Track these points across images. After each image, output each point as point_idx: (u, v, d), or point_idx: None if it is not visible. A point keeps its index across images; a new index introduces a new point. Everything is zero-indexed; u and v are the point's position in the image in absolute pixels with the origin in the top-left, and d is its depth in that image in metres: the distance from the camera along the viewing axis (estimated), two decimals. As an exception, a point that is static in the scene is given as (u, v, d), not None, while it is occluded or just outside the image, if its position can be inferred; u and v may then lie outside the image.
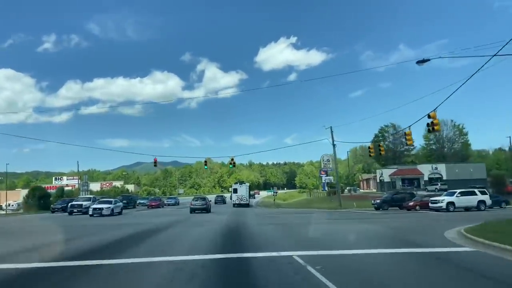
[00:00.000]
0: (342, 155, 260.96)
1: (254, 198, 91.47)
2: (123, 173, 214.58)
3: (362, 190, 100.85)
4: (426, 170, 77.03)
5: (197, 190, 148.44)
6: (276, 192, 50.46)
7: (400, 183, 75.89)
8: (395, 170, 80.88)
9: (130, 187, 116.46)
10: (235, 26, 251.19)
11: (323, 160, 70.11)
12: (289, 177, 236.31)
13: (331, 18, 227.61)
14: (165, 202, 61.56)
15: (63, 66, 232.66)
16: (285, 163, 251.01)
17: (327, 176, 71.12)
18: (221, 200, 68.06)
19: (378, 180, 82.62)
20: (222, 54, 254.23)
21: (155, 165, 42.13)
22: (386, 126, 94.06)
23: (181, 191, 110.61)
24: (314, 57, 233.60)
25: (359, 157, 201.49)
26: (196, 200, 39.04)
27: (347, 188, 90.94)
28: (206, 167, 23.18)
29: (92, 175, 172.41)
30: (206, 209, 38.15)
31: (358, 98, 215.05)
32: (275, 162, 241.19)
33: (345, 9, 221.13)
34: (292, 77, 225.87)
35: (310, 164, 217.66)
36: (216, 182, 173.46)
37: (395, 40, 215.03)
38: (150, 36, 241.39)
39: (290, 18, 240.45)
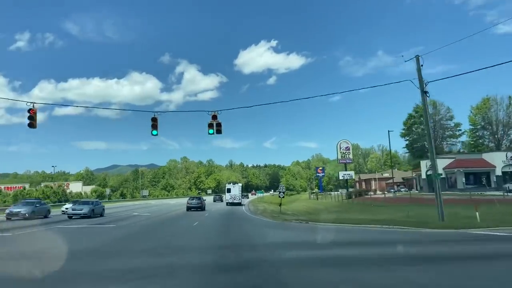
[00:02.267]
0: (330, 154, 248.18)
1: (248, 198, 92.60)
2: (88, 173, 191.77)
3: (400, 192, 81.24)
4: (498, 160, 53.65)
5: (169, 192, 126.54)
6: (283, 193, 30.09)
7: (463, 179, 52.28)
8: (451, 161, 56.01)
9: (87, 189, 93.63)
10: (216, 28, 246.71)
11: (340, 148, 51.28)
12: (271, 179, 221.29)
13: (312, 23, 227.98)
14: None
15: (36, 66, 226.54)
16: (265, 166, 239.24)
17: (345, 171, 52.25)
18: (219, 199, 73.91)
19: (424, 175, 57.88)
20: (202, 56, 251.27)
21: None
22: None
23: (145, 192, 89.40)
24: (293, 61, 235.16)
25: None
26: (192, 199, 42.65)
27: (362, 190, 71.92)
28: (211, 131, 11.84)
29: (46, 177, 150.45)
30: (201, 207, 40.94)
31: (337, 102, 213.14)
32: (255, 165, 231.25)
33: (326, 15, 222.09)
34: (272, 80, 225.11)
35: (297, 164, 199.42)
36: (192, 183, 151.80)
37: (374, 47, 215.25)
38: (130, 37, 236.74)
39: (271, 22, 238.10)
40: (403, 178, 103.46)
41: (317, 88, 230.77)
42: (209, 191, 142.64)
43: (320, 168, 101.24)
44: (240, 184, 60.27)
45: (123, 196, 76.14)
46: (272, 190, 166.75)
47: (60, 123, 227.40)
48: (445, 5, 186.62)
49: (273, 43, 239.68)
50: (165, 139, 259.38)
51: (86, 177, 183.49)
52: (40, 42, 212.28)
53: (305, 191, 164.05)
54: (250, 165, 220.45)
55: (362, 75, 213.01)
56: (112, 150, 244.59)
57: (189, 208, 39.65)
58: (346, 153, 49.11)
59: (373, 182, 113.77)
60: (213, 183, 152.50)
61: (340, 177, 48.85)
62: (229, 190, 54.14)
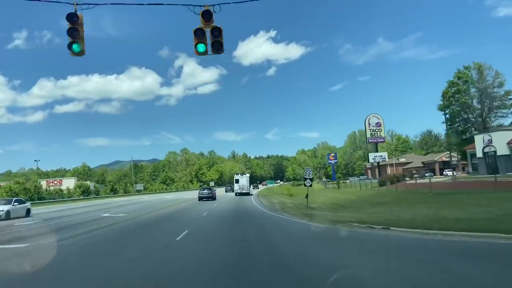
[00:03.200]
0: (337, 142, 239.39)
1: (258, 188, 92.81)
2: (85, 169, 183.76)
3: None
4: None
5: (168, 186, 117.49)
6: (310, 181, 20.00)
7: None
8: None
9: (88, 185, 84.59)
10: (214, 20, 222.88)
11: (368, 125, 41.72)
12: (276, 170, 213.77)
13: (311, 11, 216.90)
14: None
15: (35, 64, 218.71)
16: (268, 157, 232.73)
17: (377, 153, 42.35)
18: (230, 189, 73.33)
19: (480, 153, 44.32)
20: None
21: None
22: (467, 68, 56.30)
23: (139, 187, 79.76)
24: (293, 51, 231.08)
25: (358, 143, 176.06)
26: (203, 190, 45.09)
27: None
28: (201, 47, 6.78)
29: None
30: (212, 197, 42.81)
31: (338, 91, 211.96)
32: (257, 156, 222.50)
33: (324, 2, 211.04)
34: (272, 71, 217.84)
35: (302, 153, 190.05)
36: (193, 176, 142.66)
37: (374, 34, 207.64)
38: (128, 32, 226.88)
39: (270, 11, 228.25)
40: (423, 163, 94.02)
41: (318, 77, 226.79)
42: (212, 183, 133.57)
43: (332, 154, 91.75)
44: (248, 175, 60.48)
45: (114, 191, 67.10)
46: (279, 181, 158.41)
47: (61, 121, 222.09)
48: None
49: (272, 33, 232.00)
50: (167, 133, 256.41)
51: (84, 173, 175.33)
52: (38, 40, 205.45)
53: (312, 180, 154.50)
54: (252, 157, 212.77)
55: (363, 63, 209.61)
56: (114, 146, 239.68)
57: (200, 198, 41.78)
58: (376, 130, 39.70)
59: (388, 168, 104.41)
60: (215, 175, 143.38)
61: (371, 160, 39.55)
62: (237, 181, 55.29)
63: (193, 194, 66.83)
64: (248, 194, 53.04)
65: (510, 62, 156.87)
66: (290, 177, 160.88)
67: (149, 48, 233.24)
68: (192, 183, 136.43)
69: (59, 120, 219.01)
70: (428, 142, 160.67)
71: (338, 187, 51.27)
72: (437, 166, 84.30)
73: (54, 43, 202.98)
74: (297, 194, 63.49)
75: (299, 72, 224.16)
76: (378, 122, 39.78)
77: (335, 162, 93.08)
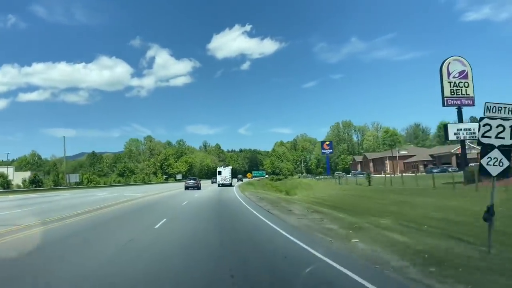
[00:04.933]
0: (318, 135, 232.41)
1: (242, 180, 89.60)
2: (33, 159, 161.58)
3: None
4: None
5: (126, 178, 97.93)
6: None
7: None
8: None
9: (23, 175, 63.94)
10: (189, 11, 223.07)
11: (447, 74, 24.22)
12: (250, 163, 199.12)
13: (287, 7, 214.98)
14: None
15: None
16: (240, 150, 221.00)
17: (461, 125, 24.39)
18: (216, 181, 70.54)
19: None
20: (174, 41, 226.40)
21: None
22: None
23: (73, 178, 59.45)
24: (268, 46, 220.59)
25: (342, 135, 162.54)
26: (189, 180, 47.54)
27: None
28: None
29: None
30: (197, 187, 44.79)
31: (311, 88, 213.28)
32: (230, 149, 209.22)
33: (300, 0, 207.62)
34: (246, 66, 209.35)
35: (281, 145, 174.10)
36: (158, 167, 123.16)
37: (348, 33, 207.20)
38: (99, 20, 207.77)
39: (246, 5, 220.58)
40: (431, 155, 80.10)
41: (292, 74, 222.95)
42: (179, 177, 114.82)
43: (327, 142, 75.96)
44: (231, 167, 61.06)
45: (36, 183, 47.73)
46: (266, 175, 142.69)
47: (25, 110, 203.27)
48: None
49: (248, 27, 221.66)
50: (137, 125, 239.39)
51: (33, 163, 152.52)
52: (1, 23, 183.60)
53: (292, 175, 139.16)
54: (225, 150, 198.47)
55: (336, 62, 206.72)
56: (81, 137, 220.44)
57: (186, 188, 43.50)
58: (460, 83, 23.13)
59: (387, 161, 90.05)
60: (183, 167, 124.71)
61: (451, 136, 22.59)
62: (220, 173, 55.99)
63: (149, 190, 48.63)
64: (230, 185, 54.32)
65: (477, 67, 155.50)
66: (269, 170, 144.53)
67: (120, 37, 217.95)
68: (156, 176, 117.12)
69: (23, 108, 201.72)
70: (419, 136, 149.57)
71: (339, 182, 34.30)
72: (453, 160, 70.15)
73: (18, 28, 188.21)
74: (282, 189, 47.53)
75: (273, 68, 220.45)
76: (464, 71, 23.45)
77: (330, 152, 77.35)
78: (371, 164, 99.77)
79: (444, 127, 23.64)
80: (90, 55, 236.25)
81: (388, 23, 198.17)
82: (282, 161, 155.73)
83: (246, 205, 19.82)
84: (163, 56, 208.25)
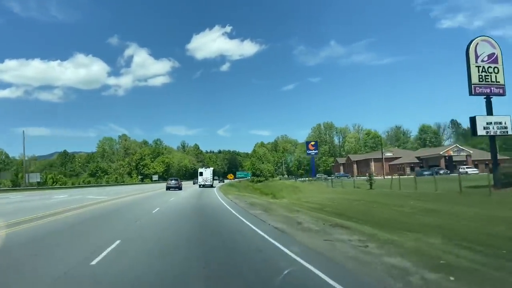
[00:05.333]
0: (298, 137, 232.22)
1: (223, 182, 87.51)
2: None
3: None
4: None
5: (97, 179, 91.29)
6: None
7: None
8: None
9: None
10: (169, 10, 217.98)
11: (475, 57, 19.63)
12: (230, 164, 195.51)
13: (266, 10, 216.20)
14: None
15: None
16: (219, 152, 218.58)
17: (492, 117, 20.02)
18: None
19: None
20: (153, 40, 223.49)
21: None
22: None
23: (34, 177, 52.51)
24: (248, 48, 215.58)
25: (323, 137, 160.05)
26: (171, 180, 47.25)
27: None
28: None
29: None
30: (179, 187, 44.90)
31: (290, 91, 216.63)
32: (208, 150, 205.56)
33: (280, 2, 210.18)
34: (225, 67, 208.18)
35: (262, 146, 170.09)
36: (133, 167, 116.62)
37: (327, 37, 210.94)
38: (76, 16, 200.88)
39: (227, 6, 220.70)
40: (418, 158, 77.78)
41: (271, 76, 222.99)
42: (155, 177, 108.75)
43: (312, 143, 72.32)
44: (212, 168, 60.94)
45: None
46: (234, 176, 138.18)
47: None
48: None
49: (228, 28, 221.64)
50: (114, 125, 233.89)
51: (0, 162, 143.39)
52: None
53: (273, 177, 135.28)
54: (204, 151, 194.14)
55: (315, 65, 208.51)
56: (56, 137, 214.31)
57: (168, 188, 43.52)
58: (489, 69, 19.35)
59: (372, 163, 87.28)
60: (160, 167, 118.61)
61: (480, 131, 18.73)
62: (201, 174, 56.05)
63: (120, 191, 43.60)
64: (211, 186, 54.36)
65: (450, 71, 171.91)
66: (249, 171, 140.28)
67: (98, 35, 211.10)
68: (131, 176, 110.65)
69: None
70: (400, 138, 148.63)
71: (371, 186, 30.34)
72: (442, 162, 67.83)
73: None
74: (264, 191, 43.31)
75: (253, 69, 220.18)
76: (493, 54, 19.72)
77: (316, 153, 73.65)
78: (355, 166, 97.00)
79: (471, 121, 19.83)
80: (65, 52, 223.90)
81: (366, 29, 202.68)
82: (263, 163, 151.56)
83: (237, 215, 15.30)
84: (142, 55, 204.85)
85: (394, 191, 26.45)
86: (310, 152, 70.13)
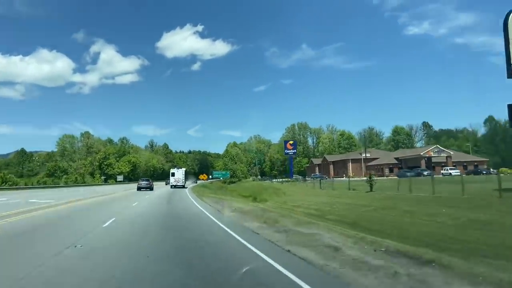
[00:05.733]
0: (271, 137, 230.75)
1: (196, 182, 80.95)
2: None
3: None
4: None
5: (55, 179, 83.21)
6: None
7: None
8: None
9: None
10: (138, 7, 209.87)
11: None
12: (200, 165, 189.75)
13: (239, 11, 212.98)
14: None
15: None
16: (189, 152, 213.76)
17: None
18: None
19: None
20: (120, 37, 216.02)
21: None
22: None
23: None
24: (219, 48, 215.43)
25: (297, 137, 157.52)
26: (142, 181, 48.76)
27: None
28: None
29: None
30: (150, 188, 45.27)
31: (262, 92, 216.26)
32: (178, 151, 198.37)
33: (254, 3, 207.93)
34: (196, 66, 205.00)
35: (234, 146, 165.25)
36: (96, 167, 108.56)
37: (298, 40, 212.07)
38: (39, 10, 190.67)
39: (199, 5, 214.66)
40: (397, 159, 75.81)
41: (243, 77, 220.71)
42: (120, 178, 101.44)
43: (291, 142, 68.59)
44: (184, 169, 61.22)
45: None
46: (211, 177, 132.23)
47: None
48: (365, 6, 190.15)
49: (199, 27, 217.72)
50: (79, 124, 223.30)
51: None
52: None
53: (246, 178, 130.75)
54: (173, 151, 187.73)
55: (287, 67, 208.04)
56: (17, 135, 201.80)
57: (139, 188, 44.13)
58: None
59: (349, 164, 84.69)
60: (126, 167, 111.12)
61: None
62: (173, 174, 56.38)
63: (75, 194, 37.89)
64: (183, 187, 54.29)
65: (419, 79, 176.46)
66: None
67: (62, 30, 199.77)
68: (94, 177, 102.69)
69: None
70: (374, 139, 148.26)
71: (371, 187, 26.07)
72: (422, 163, 65.89)
73: None
74: (240, 192, 38.83)
75: (225, 70, 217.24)
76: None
77: (294, 153, 69.83)
78: (331, 167, 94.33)
79: (509, 109, 16.33)
80: (28, 47, 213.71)
81: (335, 33, 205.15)
82: (236, 163, 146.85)
83: (229, 231, 10.61)
84: (109, 52, 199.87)
85: (403, 194, 22.62)
86: (288, 151, 66.31)
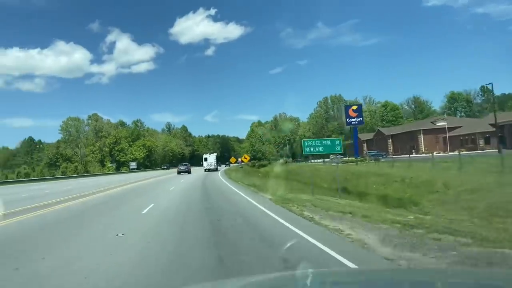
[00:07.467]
0: (301, 115, 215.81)
1: (229, 166, 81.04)
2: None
3: None
4: None
5: (55, 169, 67.78)
6: None
7: None
8: None
9: None
10: None
11: None
12: (222, 148, 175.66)
13: None
14: None
15: None
16: (208, 136, 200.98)
17: None
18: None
19: None
20: (135, 25, 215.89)
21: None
22: None
23: None
24: (233, 31, 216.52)
25: (331, 112, 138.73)
26: (181, 166, 53.19)
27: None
28: None
29: None
30: (188, 171, 51.09)
31: (278, 74, 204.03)
32: (196, 136, 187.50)
33: None
34: (210, 51, 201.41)
35: (259, 125, 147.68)
36: (106, 153, 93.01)
37: (314, 18, 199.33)
38: (55, 2, 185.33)
39: None
40: (493, 125, 56.61)
41: (258, 59, 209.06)
42: (133, 165, 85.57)
43: (354, 108, 50.39)
44: (215, 154, 66.15)
45: None
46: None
47: None
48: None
49: (212, 11, 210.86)
50: (98, 114, 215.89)
51: None
52: None
53: (276, 160, 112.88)
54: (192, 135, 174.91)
55: (303, 47, 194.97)
56: (39, 127, 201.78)
57: (179, 172, 49.10)
58: None
59: (421, 137, 65.71)
60: (140, 153, 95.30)
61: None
62: (206, 159, 61.45)
63: (74, 188, 20.47)
64: (216, 170, 57.53)
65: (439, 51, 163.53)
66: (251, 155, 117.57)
67: (78, 21, 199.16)
68: (103, 166, 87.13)
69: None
70: (424, 110, 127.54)
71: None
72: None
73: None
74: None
75: (239, 53, 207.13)
76: None
77: (360, 121, 51.46)
78: (389, 141, 75.75)
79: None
80: (45, 40, 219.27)
81: (351, 9, 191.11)
82: (263, 144, 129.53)
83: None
84: (124, 41, 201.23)
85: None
86: (351, 120, 48.50)
